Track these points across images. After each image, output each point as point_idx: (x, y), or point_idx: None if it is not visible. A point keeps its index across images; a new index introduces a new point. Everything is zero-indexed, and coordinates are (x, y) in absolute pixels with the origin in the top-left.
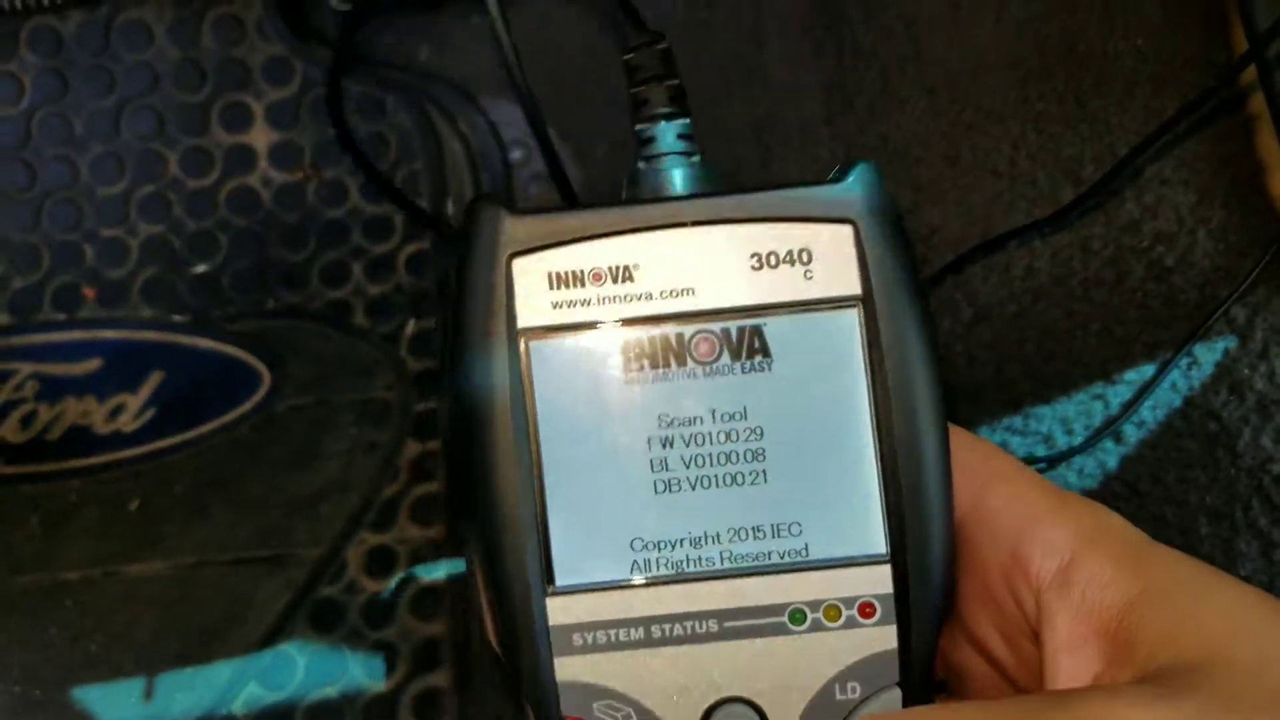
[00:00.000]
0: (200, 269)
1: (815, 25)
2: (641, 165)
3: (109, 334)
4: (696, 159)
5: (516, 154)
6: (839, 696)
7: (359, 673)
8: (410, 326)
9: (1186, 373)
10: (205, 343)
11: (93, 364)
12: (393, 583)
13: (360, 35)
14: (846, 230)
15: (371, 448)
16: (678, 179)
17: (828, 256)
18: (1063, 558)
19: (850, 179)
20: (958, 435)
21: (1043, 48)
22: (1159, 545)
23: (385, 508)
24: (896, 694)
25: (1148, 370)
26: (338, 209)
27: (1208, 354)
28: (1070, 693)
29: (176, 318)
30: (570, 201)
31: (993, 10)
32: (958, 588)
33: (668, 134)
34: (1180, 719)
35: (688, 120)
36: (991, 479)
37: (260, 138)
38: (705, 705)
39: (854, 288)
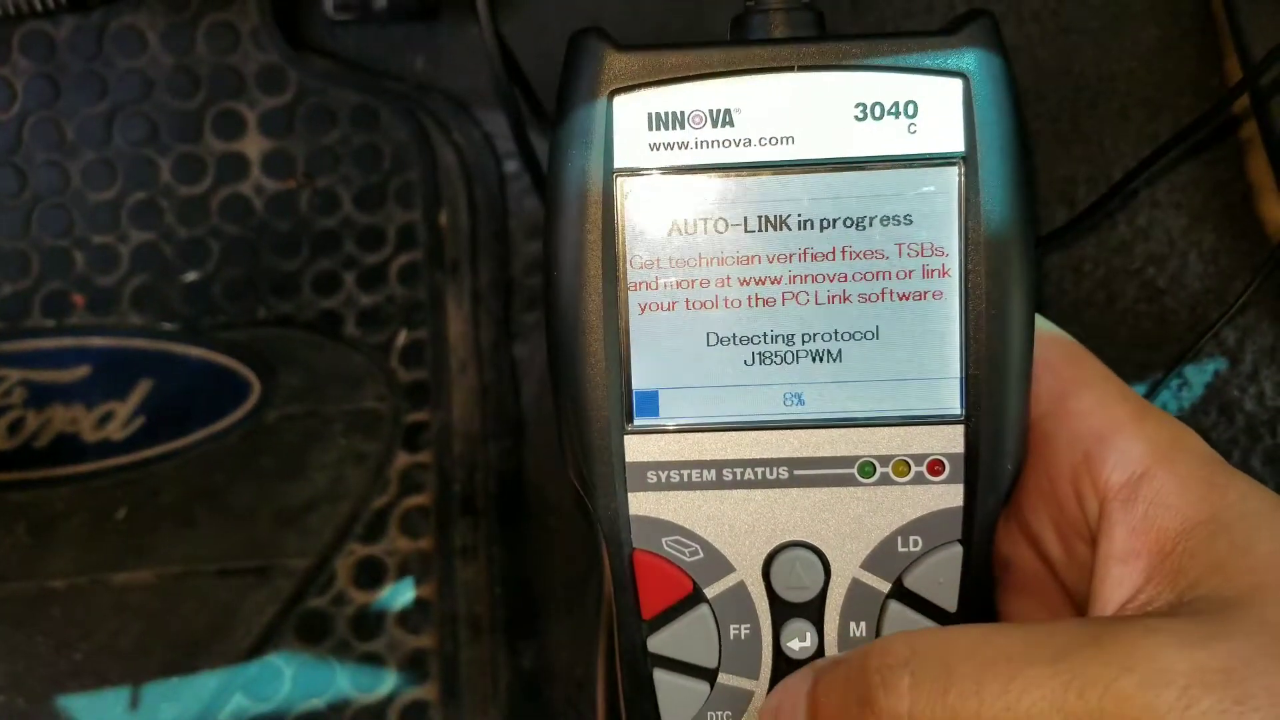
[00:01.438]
0: (191, 277)
1: None
2: (750, 4)
3: (98, 341)
4: (806, 1)
5: (511, 165)
6: (900, 548)
7: (346, 684)
8: (402, 337)
9: (1177, 394)
10: (195, 351)
11: (81, 371)
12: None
13: (355, 45)
14: (956, 84)
15: (361, 459)
16: (785, 21)
17: (934, 110)
18: (1134, 470)
19: (965, 31)
20: (1049, 331)
21: (1038, 69)
22: (1234, 472)
23: (374, 519)
24: (957, 550)
25: (1139, 390)
26: (330, 218)
27: (1198, 375)
28: (1105, 626)
29: (166, 325)
30: None
31: None
32: (1024, 477)
33: None
34: (1213, 662)
35: None
36: (1080, 380)
37: (253, 146)
38: (770, 547)
39: (958, 145)
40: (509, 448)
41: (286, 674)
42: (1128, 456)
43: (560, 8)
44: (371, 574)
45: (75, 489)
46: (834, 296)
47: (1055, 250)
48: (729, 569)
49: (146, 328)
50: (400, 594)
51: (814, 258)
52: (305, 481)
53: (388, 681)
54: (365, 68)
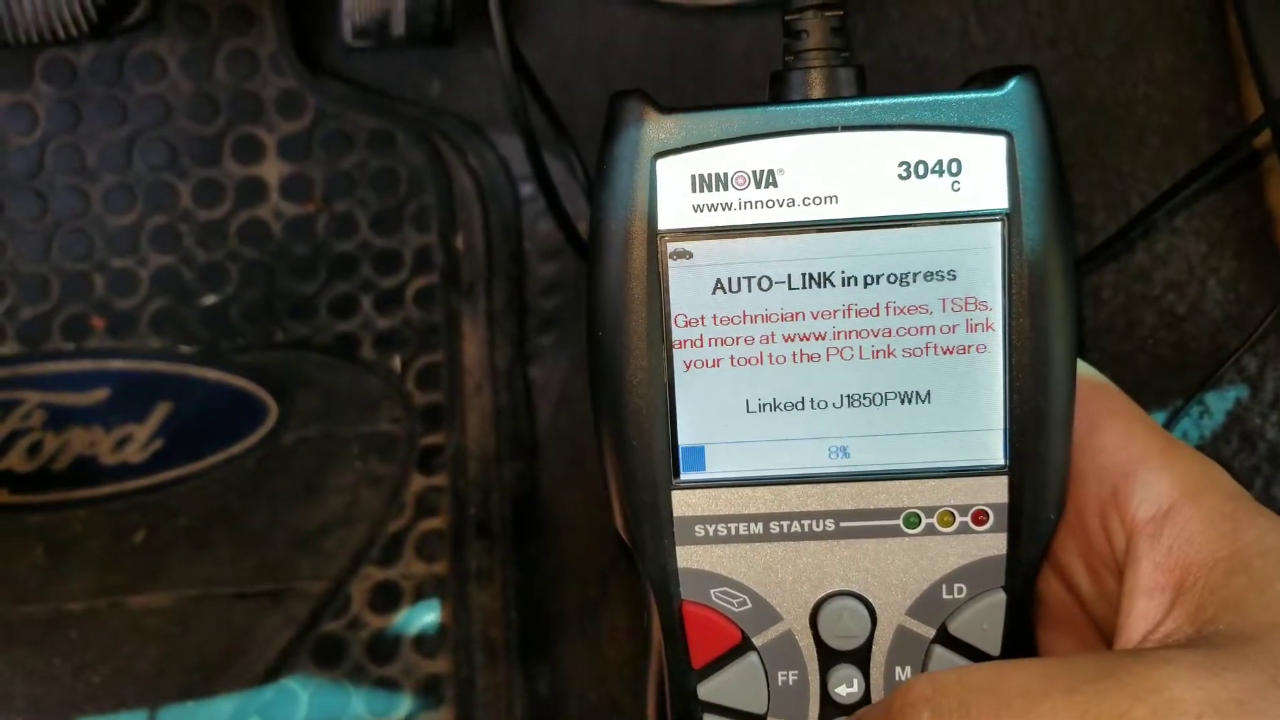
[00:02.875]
0: (210, 300)
1: None
2: (789, 60)
3: (117, 364)
4: (847, 55)
5: (527, 189)
6: (945, 596)
7: (362, 709)
8: (414, 363)
9: (1198, 421)
10: (213, 374)
11: (100, 394)
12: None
13: (372, 70)
14: (1000, 142)
15: (377, 482)
16: (826, 79)
17: (978, 168)
18: (1160, 505)
19: (1008, 88)
20: (1080, 367)
21: (1053, 95)
22: (1258, 509)
23: (390, 543)
24: (1001, 597)
25: (1159, 418)
26: (347, 242)
27: (1219, 403)
28: (1121, 658)
29: (185, 349)
30: (571, 236)
31: (1003, 57)
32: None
33: (820, 28)
34: (1226, 693)
35: (842, 13)
36: (1106, 415)
37: (272, 170)
38: (817, 597)
39: (1001, 202)
40: (523, 470)
41: (302, 698)
42: (1154, 492)
43: (575, 33)
44: (387, 598)
45: (93, 511)
46: (878, 351)
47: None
48: (777, 618)
49: (165, 351)
50: (418, 617)
51: (858, 314)
52: (321, 505)
53: (403, 706)
54: (382, 92)
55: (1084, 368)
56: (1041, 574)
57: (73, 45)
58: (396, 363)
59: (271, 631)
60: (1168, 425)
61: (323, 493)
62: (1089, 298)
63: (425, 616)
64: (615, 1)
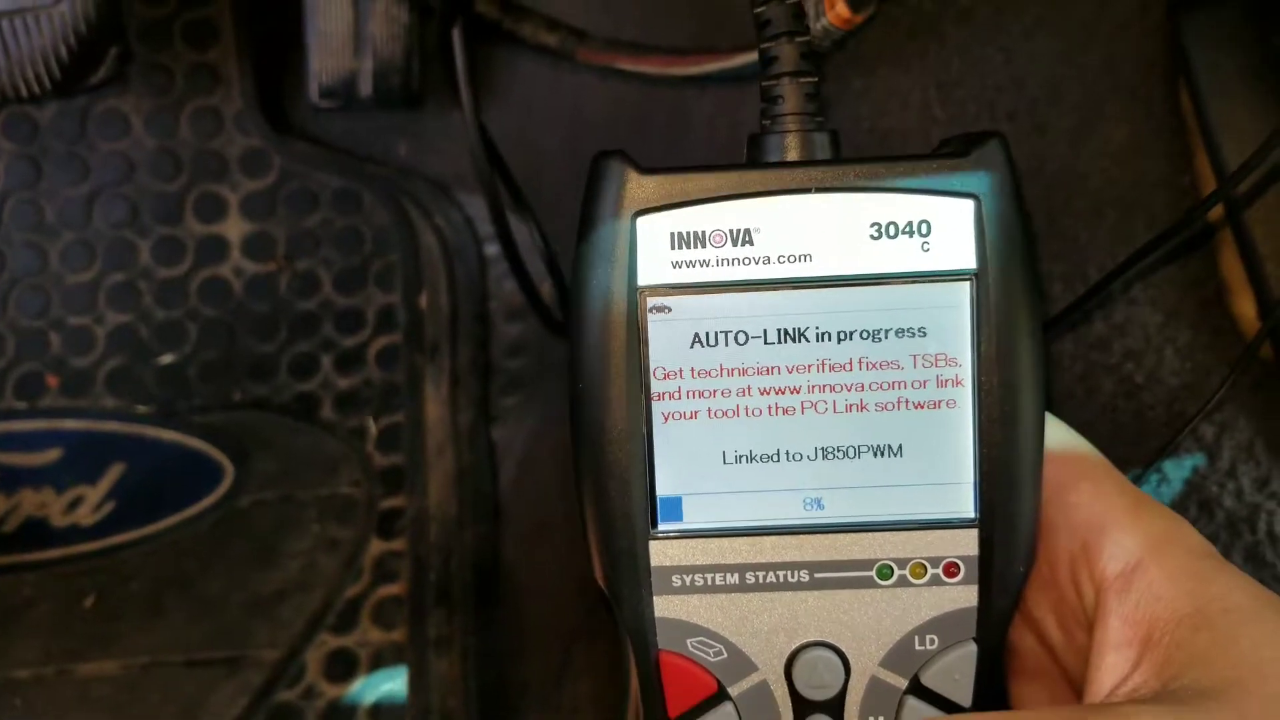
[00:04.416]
0: (167, 359)
1: None
2: (765, 124)
3: (70, 424)
4: (821, 120)
5: (492, 249)
6: (917, 647)
7: None
8: (376, 423)
9: (1156, 489)
10: (169, 434)
11: (52, 454)
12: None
13: (339, 129)
14: (968, 205)
15: (334, 546)
16: (801, 143)
17: (946, 229)
18: (1128, 561)
19: (976, 153)
20: (1052, 424)
21: None
22: (1223, 566)
23: (347, 609)
24: (972, 648)
25: None
26: (309, 301)
27: (1177, 471)
28: (1088, 711)
29: (141, 408)
30: (531, 296)
31: (963, 130)
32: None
33: (795, 94)
34: None
35: (815, 80)
36: (1077, 472)
37: (234, 229)
38: (792, 647)
39: (969, 262)
40: (485, 534)
41: None
42: (1122, 548)
43: (542, 96)
44: (344, 666)
45: (42, 575)
46: (851, 405)
47: None
48: (752, 668)
49: (120, 410)
50: (376, 686)
51: (832, 369)
52: (277, 569)
53: None
54: (348, 151)
55: (1059, 426)
56: (1014, 626)
57: (35, 102)
58: (370, 424)
59: (224, 701)
60: None
61: (279, 557)
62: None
63: (383, 685)
64: (584, 69)
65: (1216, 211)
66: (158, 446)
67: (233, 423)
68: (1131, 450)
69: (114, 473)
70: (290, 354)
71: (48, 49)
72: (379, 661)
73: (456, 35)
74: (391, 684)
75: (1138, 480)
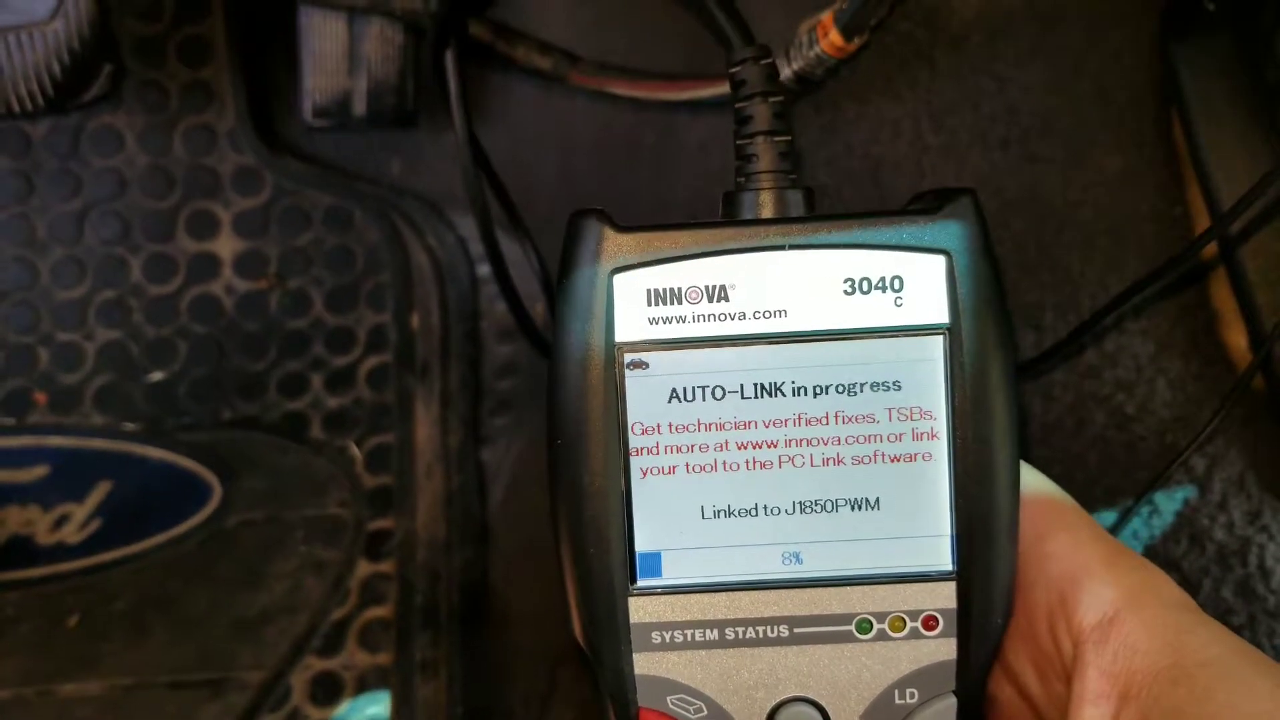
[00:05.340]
0: (156, 376)
1: None
2: (740, 181)
3: (58, 441)
4: (794, 178)
5: (484, 269)
6: (897, 700)
7: None
8: (363, 446)
9: (1148, 521)
10: (156, 453)
11: (39, 471)
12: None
13: (332, 148)
14: (939, 260)
15: (321, 567)
16: (776, 200)
17: (919, 285)
18: (1105, 613)
19: (946, 210)
20: (1028, 473)
21: (1004, 197)
22: (1200, 618)
23: (333, 631)
24: (952, 701)
25: (1109, 517)
26: (300, 319)
27: (1168, 503)
28: None
29: (128, 426)
30: (521, 318)
31: (955, 159)
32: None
33: (769, 152)
34: None
35: (789, 139)
36: (1055, 523)
37: (226, 246)
38: (772, 703)
39: (942, 317)
40: (473, 556)
41: None
42: (1099, 600)
43: (534, 119)
44: (329, 689)
45: (26, 594)
46: (828, 459)
47: (1026, 376)
48: None
49: (108, 428)
50: (361, 710)
51: (808, 423)
52: (263, 590)
53: None
54: (341, 170)
55: (1035, 475)
56: (994, 677)
57: (29, 118)
58: (353, 448)
59: None
60: (1118, 525)
61: (265, 578)
62: (1039, 396)
63: (367, 709)
64: (576, 93)
65: (1209, 245)
66: (145, 464)
67: (221, 441)
68: (1123, 481)
69: (101, 490)
70: (280, 373)
71: (41, 65)
72: (364, 685)
73: (450, 57)
74: (376, 708)
75: (1129, 511)
